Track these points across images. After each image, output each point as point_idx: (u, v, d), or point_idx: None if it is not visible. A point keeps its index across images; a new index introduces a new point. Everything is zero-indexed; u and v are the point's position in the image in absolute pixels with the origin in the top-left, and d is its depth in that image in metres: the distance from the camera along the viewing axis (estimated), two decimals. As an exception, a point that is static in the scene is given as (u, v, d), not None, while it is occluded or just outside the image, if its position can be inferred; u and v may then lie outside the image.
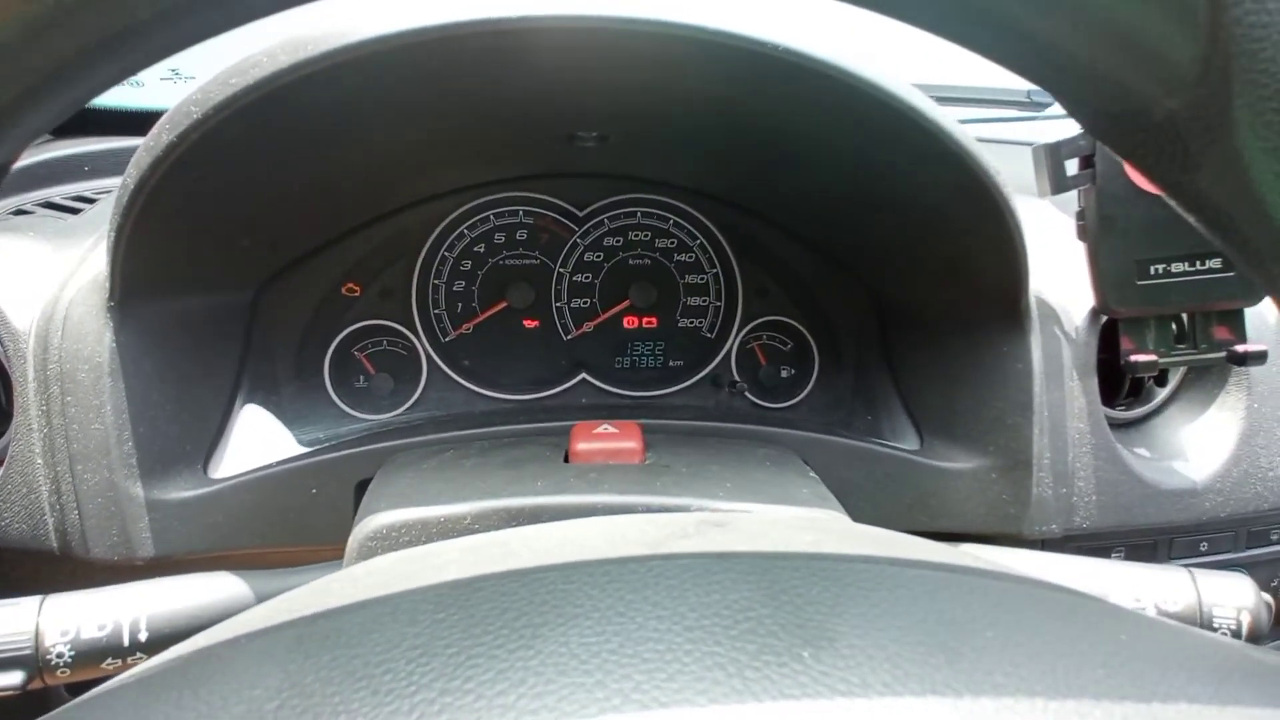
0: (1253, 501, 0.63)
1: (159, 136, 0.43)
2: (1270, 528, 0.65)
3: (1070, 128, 1.04)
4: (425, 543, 0.39)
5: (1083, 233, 0.57)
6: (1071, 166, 0.56)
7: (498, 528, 0.39)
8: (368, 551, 0.38)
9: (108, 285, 0.50)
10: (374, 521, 0.39)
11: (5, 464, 0.54)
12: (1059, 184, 0.55)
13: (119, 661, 0.40)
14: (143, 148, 0.44)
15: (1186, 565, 0.46)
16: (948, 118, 0.43)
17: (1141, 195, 0.55)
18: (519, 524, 0.39)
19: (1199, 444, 0.63)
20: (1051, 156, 0.54)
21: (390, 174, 0.61)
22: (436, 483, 0.44)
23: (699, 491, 0.41)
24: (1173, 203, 0.27)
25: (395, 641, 0.22)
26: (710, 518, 0.33)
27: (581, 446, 0.47)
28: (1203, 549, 0.66)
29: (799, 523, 0.34)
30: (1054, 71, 0.24)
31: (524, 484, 0.42)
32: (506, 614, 0.22)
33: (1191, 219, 0.27)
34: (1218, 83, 0.19)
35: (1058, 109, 1.12)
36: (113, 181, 0.73)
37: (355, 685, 0.20)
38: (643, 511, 0.39)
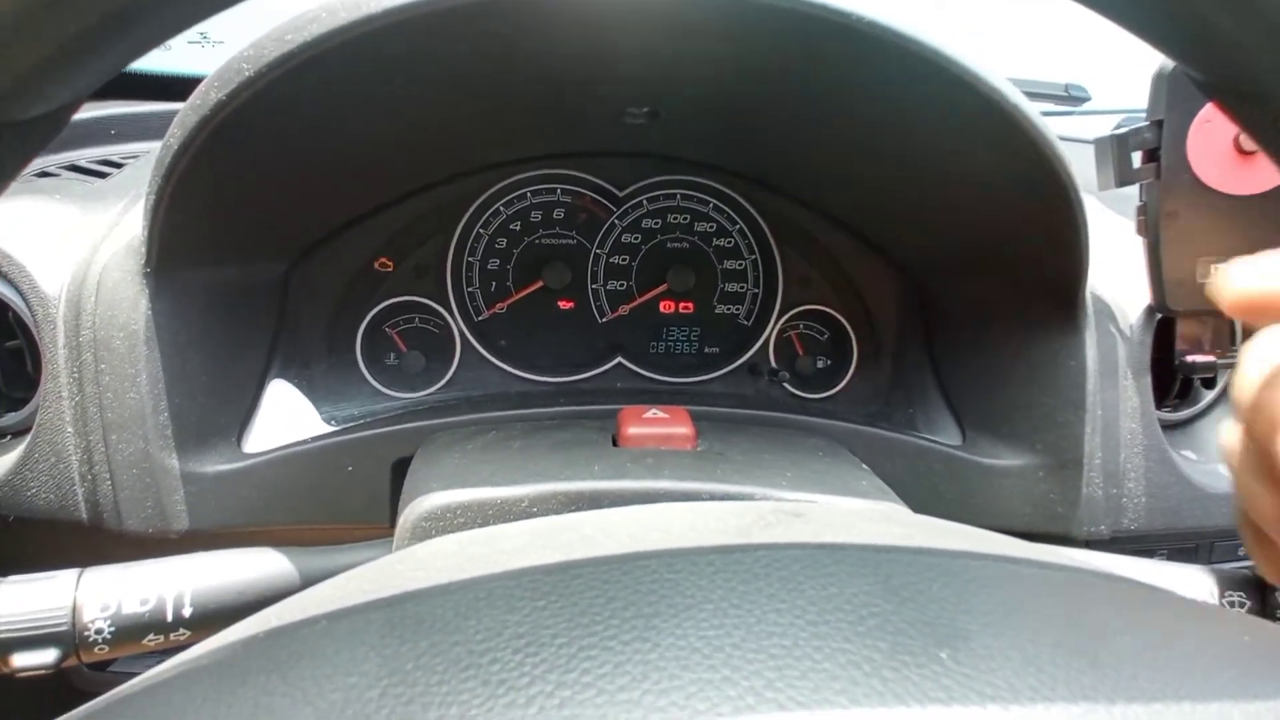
0: (1296, 506, 0.62)
1: (206, 95, 0.41)
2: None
3: (1105, 125, 1.02)
4: (480, 525, 0.38)
5: (1143, 228, 0.55)
6: (1134, 160, 0.55)
7: (555, 512, 0.38)
8: (422, 532, 0.37)
9: (144, 250, 0.49)
10: (428, 501, 0.38)
11: (33, 432, 0.53)
12: (1124, 177, 0.53)
13: (160, 638, 0.39)
14: (188, 107, 0.42)
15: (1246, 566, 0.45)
16: (1031, 106, 0.42)
17: (1205, 191, 0.53)
18: (577, 508, 0.38)
19: (1246, 447, 0.62)
20: (1118, 148, 0.52)
21: (432, 144, 0.59)
22: (486, 464, 0.42)
23: (761, 480, 0.40)
24: None
25: (496, 629, 0.20)
26: (784, 507, 0.32)
27: (632, 431, 0.46)
28: (1241, 552, 0.65)
29: (877, 515, 0.33)
30: (1195, 43, 0.23)
31: (579, 468, 0.41)
32: (613, 603, 0.21)
33: None
34: None
35: (1095, 104, 1.10)
36: (139, 146, 0.71)
37: (462, 675, 0.19)
38: (707, 499, 0.38)
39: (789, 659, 0.19)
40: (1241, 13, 0.20)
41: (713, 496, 0.38)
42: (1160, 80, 0.53)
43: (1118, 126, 0.88)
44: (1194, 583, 0.44)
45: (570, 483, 0.38)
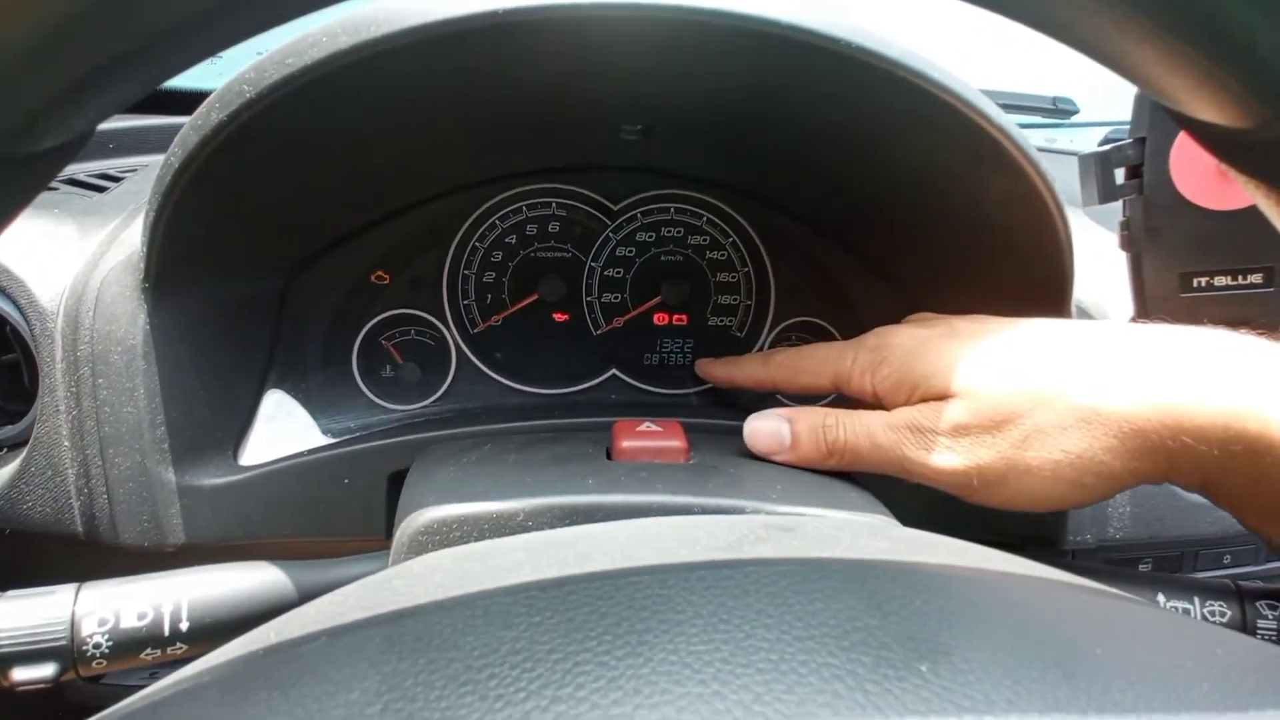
0: (1279, 516, 0.63)
1: (208, 115, 0.42)
2: (1294, 542, 0.65)
3: (1093, 138, 1.04)
4: (477, 539, 0.38)
5: (1126, 242, 0.56)
6: (1118, 176, 0.56)
7: (550, 525, 0.39)
8: (418, 546, 0.38)
9: (143, 266, 0.49)
10: (424, 516, 0.38)
11: (30, 446, 0.53)
12: (1107, 193, 0.54)
13: (158, 652, 0.39)
14: (189, 126, 0.43)
15: (1230, 577, 0.46)
16: (1012, 124, 0.43)
17: (1188, 207, 0.55)
18: (572, 522, 0.38)
19: (1229, 457, 0.63)
20: (1101, 165, 0.54)
21: (429, 161, 0.60)
22: (482, 478, 0.43)
23: (752, 493, 0.40)
24: (1272, 213, 0.26)
25: (494, 645, 0.21)
26: (773, 521, 0.33)
27: (626, 444, 0.47)
28: (1226, 561, 0.66)
29: (865, 529, 0.34)
30: (1168, 80, 0.24)
31: (573, 481, 0.41)
32: (606, 619, 0.22)
33: None
34: None
35: (1083, 116, 1.12)
36: (138, 160, 0.72)
37: (460, 690, 0.19)
38: (698, 513, 0.39)
39: (776, 673, 0.19)
40: (1208, 55, 0.21)
41: (704, 511, 0.39)
42: (1143, 99, 0.55)
43: (1104, 140, 0.89)
44: (1174, 593, 0.45)
45: (564, 496, 0.39)
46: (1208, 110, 0.23)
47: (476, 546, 0.32)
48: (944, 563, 0.27)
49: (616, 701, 0.19)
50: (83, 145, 0.23)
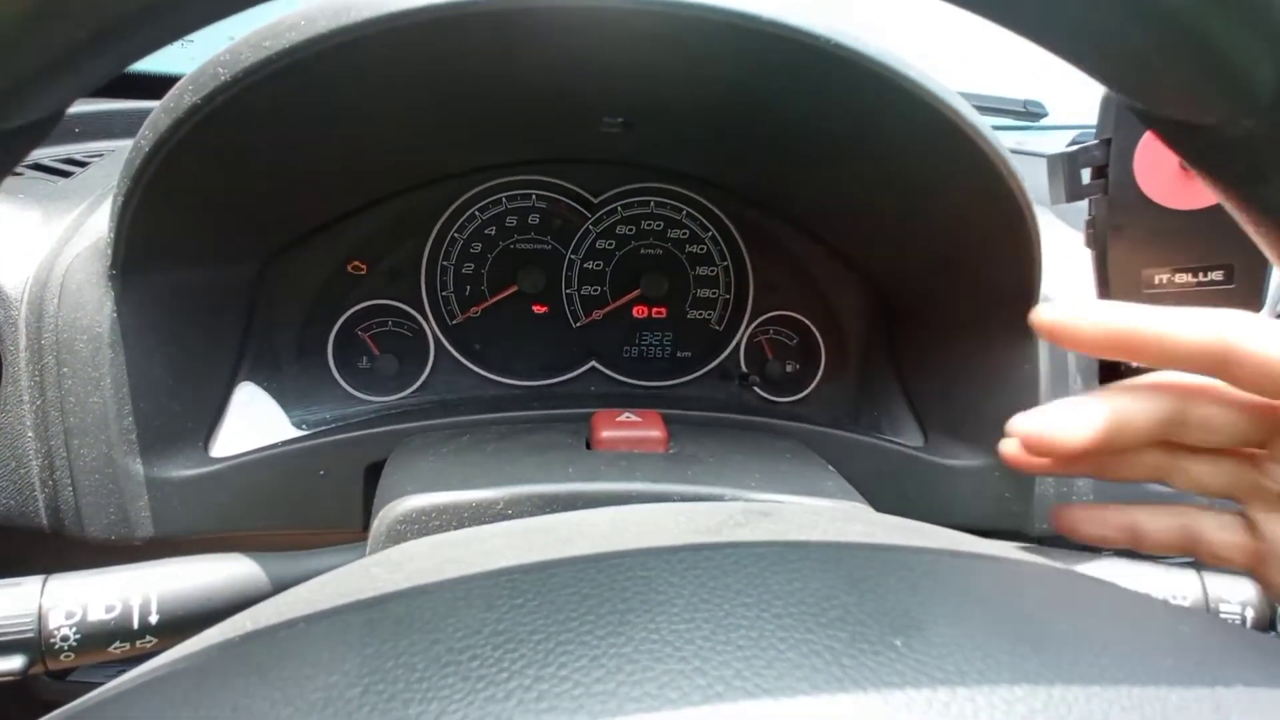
0: (1233, 505, 0.66)
1: (180, 98, 0.41)
2: (1249, 530, 0.68)
3: (1061, 140, 1.07)
4: (456, 528, 0.38)
5: (1091, 240, 0.58)
6: (1084, 176, 0.58)
7: (530, 514, 0.39)
8: (396, 535, 0.37)
9: (110, 252, 0.48)
10: (403, 505, 0.38)
11: (-9, 437, 0.51)
12: (1074, 192, 0.56)
13: (127, 645, 0.38)
14: (160, 109, 0.42)
15: (1192, 564, 0.47)
16: (985, 124, 0.44)
17: (1150, 206, 0.56)
18: (552, 510, 0.39)
19: (1187, 449, 0.65)
20: (1068, 165, 0.55)
21: (408, 150, 0.59)
22: (461, 467, 0.43)
23: (731, 481, 0.41)
24: (1234, 210, 0.28)
25: (476, 627, 0.21)
26: (753, 507, 0.33)
27: (606, 434, 0.47)
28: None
29: (841, 514, 0.34)
30: (1132, 77, 0.25)
31: (553, 470, 0.41)
32: (588, 600, 0.22)
33: (1250, 227, 0.27)
34: None
35: (1052, 119, 1.15)
36: (104, 145, 0.70)
37: (442, 671, 0.19)
38: (678, 500, 0.39)
39: (755, 649, 0.20)
40: (1169, 52, 0.22)
41: (684, 498, 0.39)
42: (1108, 102, 0.56)
43: (1071, 142, 0.91)
44: (1179, 584, 0.46)
45: (544, 485, 0.39)
46: (1170, 108, 0.24)
47: (456, 534, 0.32)
48: (918, 544, 0.27)
49: (599, 679, 0.19)
50: (54, 125, 0.23)
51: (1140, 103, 0.26)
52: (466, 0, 0.36)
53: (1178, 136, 0.26)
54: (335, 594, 0.26)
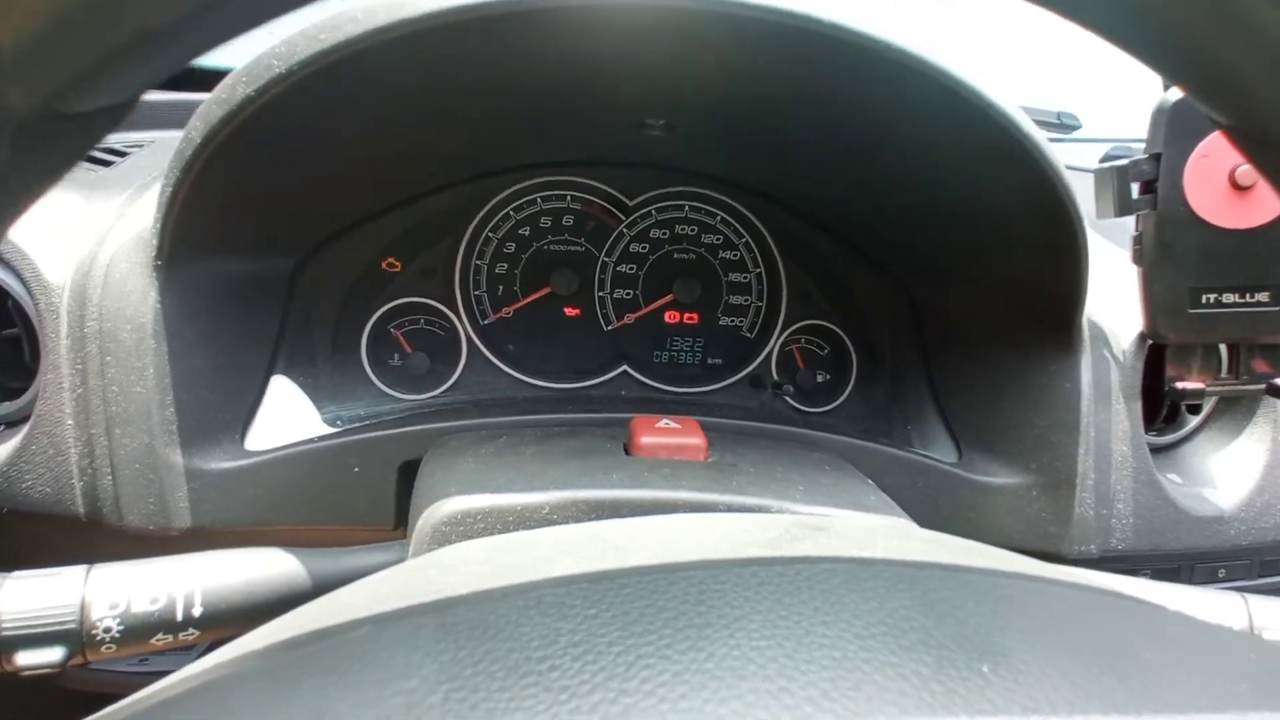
0: (1271, 532, 0.65)
1: (233, 90, 0.41)
2: (1283, 558, 0.67)
3: (1095, 154, 1.05)
4: (500, 531, 0.38)
5: (1138, 257, 0.57)
6: (1131, 190, 0.57)
7: (575, 519, 0.38)
8: (441, 537, 0.37)
9: (155, 243, 0.48)
10: (447, 506, 0.38)
11: (31, 423, 0.52)
12: (1124, 207, 0.55)
13: (169, 637, 0.38)
14: (212, 100, 0.42)
15: (1237, 589, 0.47)
16: (1042, 135, 0.43)
17: (1200, 223, 0.55)
18: (597, 516, 0.38)
19: (1227, 472, 0.64)
20: (1119, 179, 0.54)
21: (450, 145, 0.59)
22: (503, 470, 0.43)
23: (775, 493, 0.41)
24: None
25: (551, 637, 0.21)
26: (804, 520, 0.33)
27: (645, 440, 0.47)
28: (1220, 575, 0.67)
29: (893, 531, 0.34)
30: (1214, 85, 0.24)
31: (596, 476, 0.41)
32: (664, 613, 0.22)
33: None
34: None
35: (1086, 131, 1.14)
36: (142, 135, 0.70)
37: (523, 682, 0.19)
38: (724, 510, 0.39)
39: (840, 670, 0.19)
40: (1252, 58, 0.21)
41: (730, 508, 0.39)
42: (1160, 115, 0.55)
43: (1105, 155, 0.90)
44: (1226, 609, 0.45)
45: (590, 491, 0.39)
46: (1237, 111, 0.24)
47: (505, 538, 0.32)
48: (982, 565, 0.27)
49: (684, 695, 0.18)
50: (129, 111, 0.23)
51: (1216, 113, 0.25)
52: None
53: (1250, 147, 0.25)
54: (393, 595, 0.25)
